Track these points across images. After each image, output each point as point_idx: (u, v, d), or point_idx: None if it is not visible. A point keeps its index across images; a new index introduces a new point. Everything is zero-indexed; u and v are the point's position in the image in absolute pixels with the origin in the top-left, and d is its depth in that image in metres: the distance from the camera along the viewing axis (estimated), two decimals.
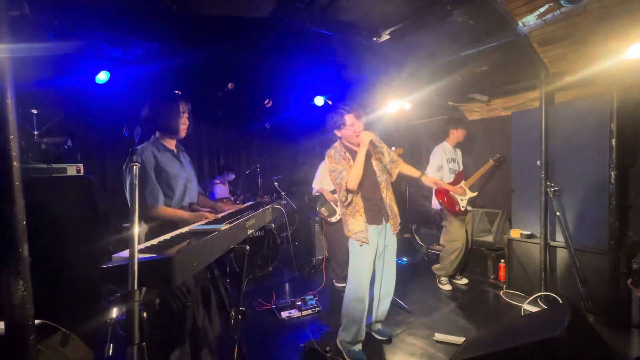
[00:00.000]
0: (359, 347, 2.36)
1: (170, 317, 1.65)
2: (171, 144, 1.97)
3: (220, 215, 1.93)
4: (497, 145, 3.92)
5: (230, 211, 2.05)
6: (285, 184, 5.75)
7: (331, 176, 2.37)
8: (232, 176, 4.84)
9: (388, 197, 2.44)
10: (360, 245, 2.32)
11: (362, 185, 2.32)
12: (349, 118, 2.31)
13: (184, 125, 1.94)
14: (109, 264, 1.07)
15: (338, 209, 3.57)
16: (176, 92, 1.96)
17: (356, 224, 2.33)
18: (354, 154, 2.33)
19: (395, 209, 2.47)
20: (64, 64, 3.07)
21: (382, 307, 2.56)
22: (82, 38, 2.92)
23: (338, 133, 2.39)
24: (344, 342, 2.36)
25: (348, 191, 2.28)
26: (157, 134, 1.93)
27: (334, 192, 3.57)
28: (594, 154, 2.87)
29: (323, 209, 3.65)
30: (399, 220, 2.49)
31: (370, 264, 2.36)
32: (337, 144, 2.44)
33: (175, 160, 1.94)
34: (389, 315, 2.62)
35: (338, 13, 2.70)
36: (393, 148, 2.55)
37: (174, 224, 1.77)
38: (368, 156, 2.33)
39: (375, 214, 2.36)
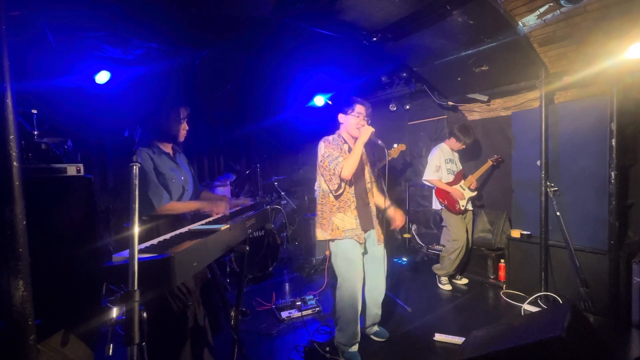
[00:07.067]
0: (354, 348, 2.34)
1: (171, 317, 1.66)
2: (167, 146, 1.98)
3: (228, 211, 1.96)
4: (497, 145, 3.92)
5: (236, 209, 2.08)
6: (285, 184, 5.75)
7: (323, 162, 2.24)
8: (233, 177, 4.84)
9: (373, 206, 2.40)
10: (352, 246, 2.23)
11: (354, 183, 2.28)
12: (358, 107, 2.30)
13: (183, 130, 1.97)
14: (109, 264, 1.07)
15: None
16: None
17: (347, 221, 2.24)
18: (351, 149, 2.29)
19: (378, 222, 2.42)
20: (64, 64, 3.07)
21: (374, 310, 2.50)
22: (83, 38, 2.93)
23: (342, 118, 2.35)
24: (340, 344, 2.34)
25: (341, 179, 2.19)
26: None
27: None
28: (594, 154, 2.86)
29: None
30: (382, 233, 2.43)
31: (361, 264, 2.30)
32: (335, 134, 2.39)
33: (171, 162, 1.94)
34: (389, 315, 2.62)
35: (338, 13, 2.70)
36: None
37: (177, 222, 1.78)
38: (362, 159, 2.28)
39: (364, 217, 2.31)
